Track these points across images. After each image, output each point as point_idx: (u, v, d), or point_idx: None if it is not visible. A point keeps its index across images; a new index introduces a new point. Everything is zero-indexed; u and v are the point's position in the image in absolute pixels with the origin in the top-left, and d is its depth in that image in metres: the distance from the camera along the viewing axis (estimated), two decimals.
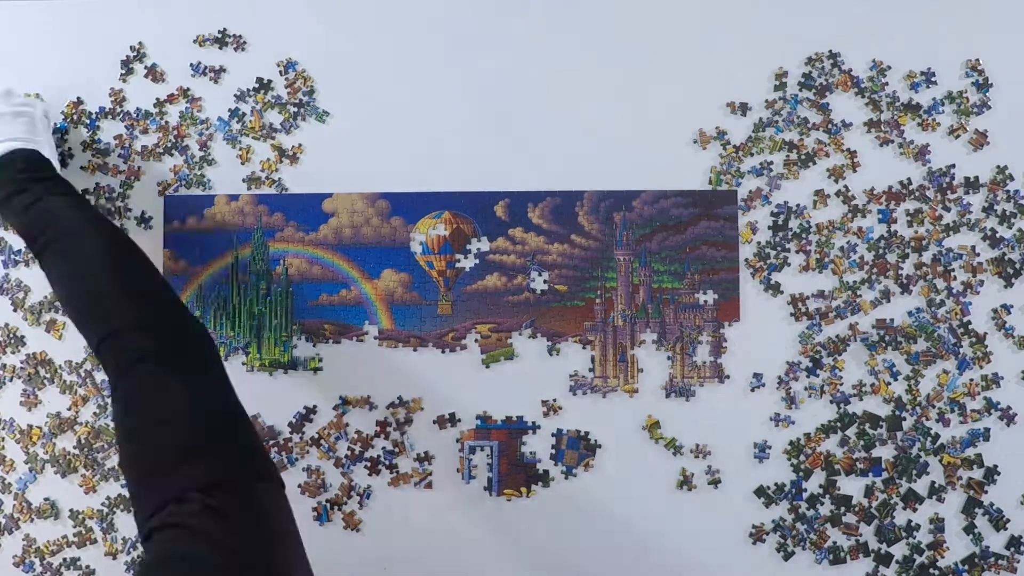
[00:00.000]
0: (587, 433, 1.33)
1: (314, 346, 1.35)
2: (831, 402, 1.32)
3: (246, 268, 1.37)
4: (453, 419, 1.34)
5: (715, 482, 1.32)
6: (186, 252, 1.37)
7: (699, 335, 1.34)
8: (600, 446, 1.33)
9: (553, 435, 1.33)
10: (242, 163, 1.37)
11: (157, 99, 1.39)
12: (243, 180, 1.37)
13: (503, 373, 1.34)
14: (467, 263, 1.35)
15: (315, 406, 1.35)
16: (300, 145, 1.37)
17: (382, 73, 1.38)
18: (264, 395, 1.35)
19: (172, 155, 1.38)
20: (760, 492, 1.31)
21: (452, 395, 1.34)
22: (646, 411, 1.33)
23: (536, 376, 1.33)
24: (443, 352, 1.34)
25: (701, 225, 1.34)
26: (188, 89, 1.39)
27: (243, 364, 1.35)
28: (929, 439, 1.31)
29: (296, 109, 1.38)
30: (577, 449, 1.33)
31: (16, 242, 1.38)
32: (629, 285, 1.35)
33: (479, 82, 1.37)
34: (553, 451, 1.33)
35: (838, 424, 1.31)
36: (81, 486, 1.36)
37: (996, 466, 1.31)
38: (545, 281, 1.35)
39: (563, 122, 1.36)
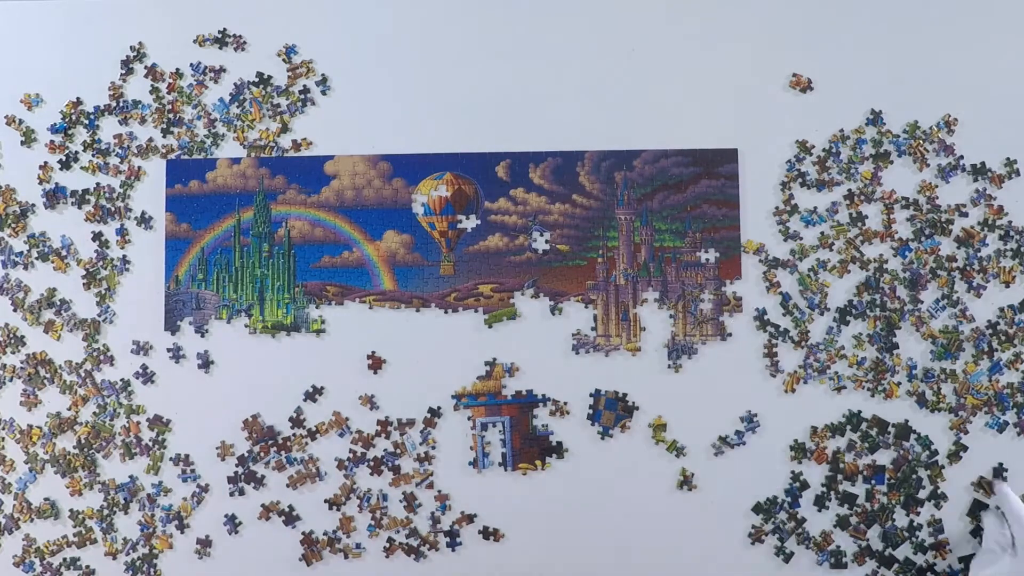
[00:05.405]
0: (625, 395, 1.32)
1: (317, 308, 1.35)
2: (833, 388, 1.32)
3: (248, 231, 1.37)
4: (460, 399, 1.34)
5: (715, 483, 1.32)
6: (188, 215, 1.37)
7: (701, 293, 1.34)
8: (638, 408, 1.32)
9: (591, 395, 1.32)
10: (241, 144, 1.38)
11: (156, 94, 1.39)
12: (244, 146, 1.38)
13: (506, 332, 1.34)
14: (468, 224, 1.36)
15: (318, 392, 1.35)
16: (306, 139, 1.38)
17: (383, 36, 1.38)
18: (266, 360, 1.35)
19: (172, 132, 1.38)
20: (757, 509, 1.31)
21: (455, 354, 1.34)
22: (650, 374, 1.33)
23: (539, 335, 1.33)
24: (446, 312, 1.34)
25: (702, 184, 1.34)
26: (188, 88, 1.40)
27: (246, 326, 1.35)
28: (927, 453, 1.31)
29: (298, 106, 1.38)
30: (615, 410, 1.32)
31: (16, 242, 1.38)
32: (631, 244, 1.35)
33: (480, 44, 1.37)
34: (591, 411, 1.32)
35: (847, 425, 1.31)
36: (79, 488, 1.36)
37: (1001, 464, 1.31)
38: (547, 241, 1.35)
39: (563, 83, 1.36)
